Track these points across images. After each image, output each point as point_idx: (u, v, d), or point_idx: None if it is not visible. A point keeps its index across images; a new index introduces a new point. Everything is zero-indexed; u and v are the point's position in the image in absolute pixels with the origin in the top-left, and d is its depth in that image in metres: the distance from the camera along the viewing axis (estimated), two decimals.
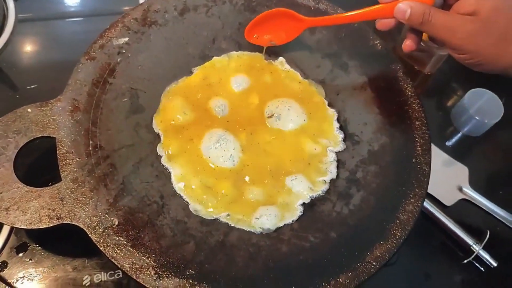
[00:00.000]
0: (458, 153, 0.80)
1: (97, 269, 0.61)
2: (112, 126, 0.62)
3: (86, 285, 0.61)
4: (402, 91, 0.69)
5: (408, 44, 0.59)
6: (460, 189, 0.76)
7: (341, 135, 0.66)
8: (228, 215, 0.59)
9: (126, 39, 0.69)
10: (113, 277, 0.61)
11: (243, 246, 0.57)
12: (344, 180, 0.63)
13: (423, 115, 0.67)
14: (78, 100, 0.63)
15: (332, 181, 0.62)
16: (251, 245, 0.57)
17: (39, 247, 0.63)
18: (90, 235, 0.54)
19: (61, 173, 0.57)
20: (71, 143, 0.59)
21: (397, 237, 0.57)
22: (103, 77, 0.65)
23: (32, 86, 0.77)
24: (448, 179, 0.77)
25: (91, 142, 0.60)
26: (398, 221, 0.58)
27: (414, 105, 0.68)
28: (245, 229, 0.58)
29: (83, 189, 0.57)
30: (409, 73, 0.70)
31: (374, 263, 0.55)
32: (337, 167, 0.64)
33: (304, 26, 0.66)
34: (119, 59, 0.67)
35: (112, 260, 0.53)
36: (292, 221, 0.59)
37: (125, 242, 0.54)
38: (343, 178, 0.63)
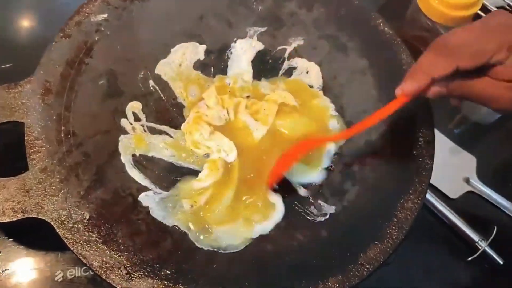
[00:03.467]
0: (465, 141, 0.75)
1: (71, 264, 0.57)
2: (87, 110, 0.58)
3: (59, 280, 0.57)
4: (405, 76, 0.62)
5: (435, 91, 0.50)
6: (467, 181, 0.71)
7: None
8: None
9: (105, 15, 0.64)
10: (87, 273, 0.57)
11: None
12: (339, 174, 0.58)
13: (427, 102, 0.61)
14: (50, 82, 0.58)
15: (325, 175, 0.58)
16: None
17: (10, 239, 0.59)
18: (57, 230, 0.50)
19: (28, 162, 0.53)
20: (41, 129, 0.55)
21: (394, 237, 0.52)
22: (78, 57, 0.60)
23: (6, 66, 0.72)
24: (454, 169, 0.72)
25: (63, 128, 0.56)
26: (395, 220, 0.53)
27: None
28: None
29: (52, 180, 0.52)
30: (414, 55, 0.64)
31: (367, 266, 0.50)
32: (332, 158, 0.59)
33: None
34: (97, 38, 0.62)
35: (81, 257, 0.49)
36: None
37: (96, 238, 0.50)
38: (337, 171, 0.59)
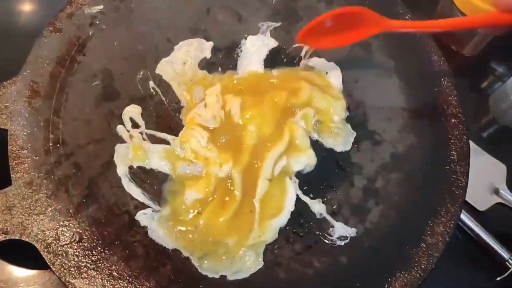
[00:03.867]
0: (495, 147, 0.70)
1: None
2: (78, 115, 0.54)
3: None
4: (437, 79, 0.58)
5: None
6: (496, 192, 0.67)
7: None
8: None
9: (101, 7, 0.59)
10: None
11: None
12: (360, 190, 0.53)
13: (461, 111, 0.56)
14: (38, 83, 0.54)
15: (344, 191, 0.53)
16: None
17: None
18: (43, 254, 0.46)
19: (11, 175, 0.49)
20: (26, 136, 0.51)
21: (423, 266, 0.48)
22: (70, 54, 0.56)
23: None
24: (482, 179, 0.68)
25: (51, 135, 0.52)
26: (424, 246, 0.50)
27: (450, 98, 0.57)
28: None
29: (38, 196, 0.49)
30: (445, 53, 0.60)
31: None
32: (352, 173, 0.54)
33: (377, 31, 0.54)
34: (91, 32, 0.58)
35: (69, 286, 0.44)
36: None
37: (86, 263, 0.46)
38: (359, 187, 0.53)
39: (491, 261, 0.62)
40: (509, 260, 0.61)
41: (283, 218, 0.50)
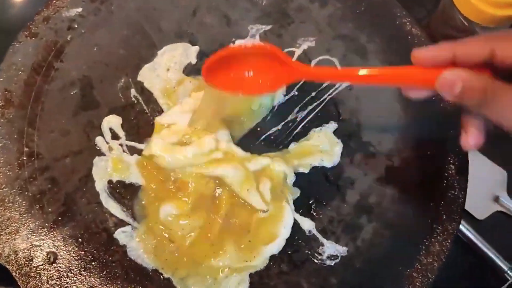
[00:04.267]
0: (494, 152, 0.67)
1: None
2: (55, 126, 0.51)
3: None
4: None
5: (468, 142, 0.41)
6: (496, 199, 0.65)
7: None
8: None
9: (80, 9, 0.56)
10: None
11: None
12: (352, 207, 0.50)
13: (460, 120, 0.52)
14: (11, 92, 0.52)
15: (335, 207, 0.50)
16: None
17: None
18: (15, 276, 0.44)
19: None
20: None
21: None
22: (47, 60, 0.54)
23: None
24: (481, 185, 0.65)
25: (25, 148, 0.50)
26: (419, 266, 0.47)
27: (449, 108, 0.54)
28: None
29: (10, 214, 0.46)
30: None
31: None
32: (345, 187, 0.51)
33: (293, 77, 0.44)
34: (69, 37, 0.55)
35: None
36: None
37: (62, 286, 0.44)
38: (351, 203, 0.51)
39: (489, 272, 0.61)
40: (509, 271, 0.60)
41: (277, 245, 0.47)
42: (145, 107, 0.53)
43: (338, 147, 0.52)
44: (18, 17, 0.70)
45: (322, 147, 0.52)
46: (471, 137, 0.41)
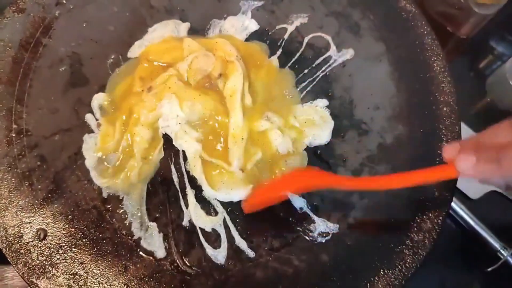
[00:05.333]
0: None
1: None
2: (44, 103, 0.51)
3: None
4: (429, 64, 0.55)
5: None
6: None
7: None
8: None
9: None
10: None
11: (206, 270, 0.45)
12: None
13: (453, 99, 0.53)
14: None
15: None
16: (217, 269, 0.46)
17: None
18: (4, 252, 0.44)
19: None
20: None
21: (407, 264, 0.46)
22: (35, 36, 0.54)
23: None
24: None
25: (14, 125, 0.50)
26: (410, 243, 0.47)
27: (443, 85, 0.54)
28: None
29: None
30: (439, 35, 0.57)
31: None
32: (336, 164, 0.51)
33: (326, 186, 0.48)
34: (57, 12, 0.55)
35: (32, 286, 0.42)
36: None
37: (52, 262, 0.44)
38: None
39: (482, 251, 0.62)
40: (501, 250, 0.60)
41: None
42: None
43: (329, 124, 0.52)
44: None
45: (314, 118, 0.52)
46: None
